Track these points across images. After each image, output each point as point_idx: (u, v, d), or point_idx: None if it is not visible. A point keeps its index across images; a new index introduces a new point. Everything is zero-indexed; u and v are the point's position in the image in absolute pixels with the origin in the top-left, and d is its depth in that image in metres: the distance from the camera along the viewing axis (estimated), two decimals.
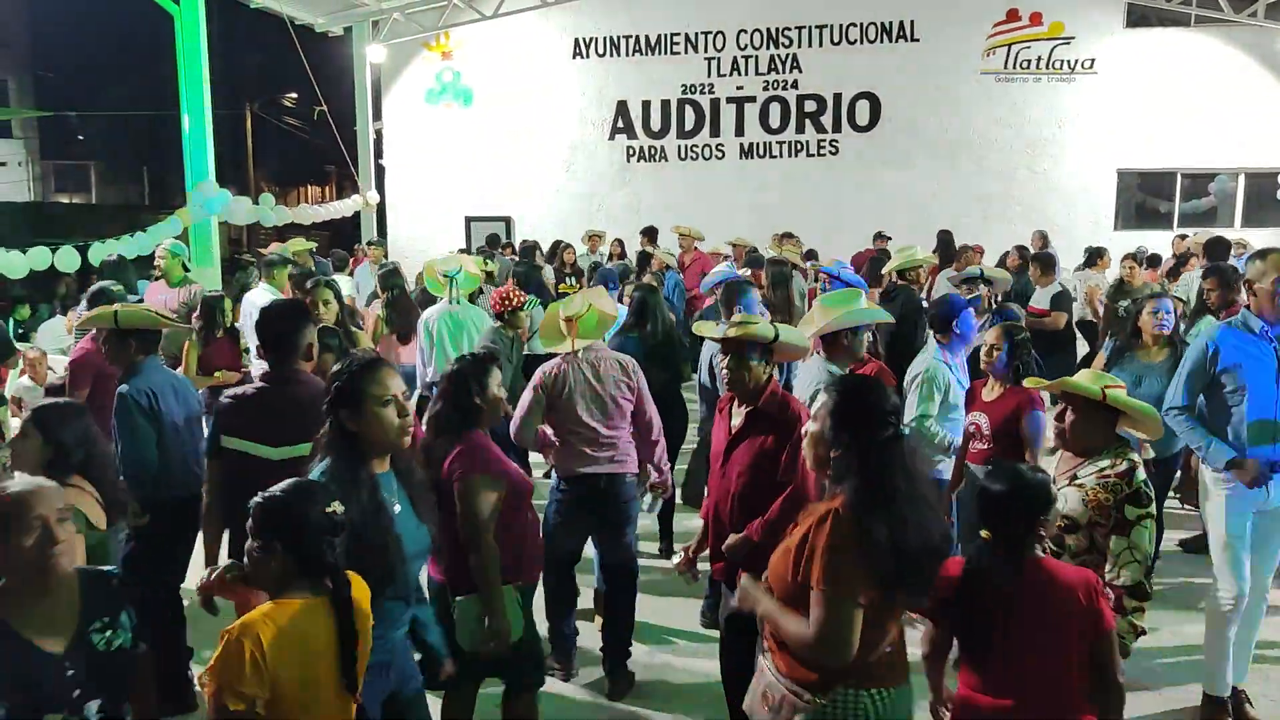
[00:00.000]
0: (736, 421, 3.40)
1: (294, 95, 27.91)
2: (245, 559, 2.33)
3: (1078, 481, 3.26)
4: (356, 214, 16.38)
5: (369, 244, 12.50)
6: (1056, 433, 3.46)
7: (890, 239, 13.41)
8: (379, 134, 16.97)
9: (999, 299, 6.64)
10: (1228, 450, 4.04)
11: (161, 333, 4.60)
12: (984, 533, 2.69)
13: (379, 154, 17.11)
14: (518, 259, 10.64)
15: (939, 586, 2.72)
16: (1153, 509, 3.19)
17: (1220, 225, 15.51)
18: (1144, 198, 16.43)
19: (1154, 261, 11.21)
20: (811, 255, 12.34)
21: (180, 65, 10.99)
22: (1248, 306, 4.13)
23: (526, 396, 4.42)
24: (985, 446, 4.51)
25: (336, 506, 2.29)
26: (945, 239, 12.50)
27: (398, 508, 2.66)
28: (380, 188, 17.08)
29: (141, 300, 6.81)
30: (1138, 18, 15.64)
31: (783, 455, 3.23)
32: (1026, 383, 3.98)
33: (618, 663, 4.43)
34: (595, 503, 4.40)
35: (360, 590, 2.37)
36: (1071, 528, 3.24)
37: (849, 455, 2.44)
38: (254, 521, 2.28)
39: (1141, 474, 3.21)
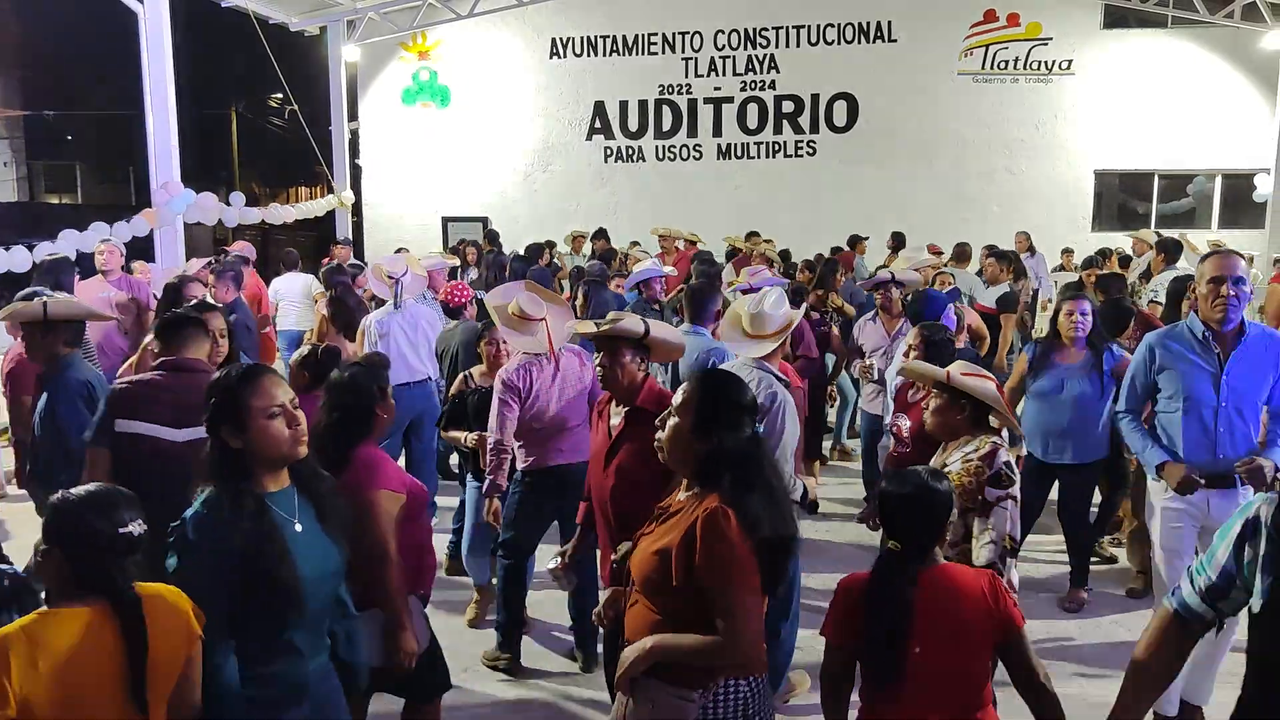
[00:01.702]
0: (615, 422, 3.34)
1: (279, 96, 27.89)
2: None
3: (946, 470, 3.25)
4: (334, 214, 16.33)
5: (335, 244, 12.45)
6: (927, 417, 3.53)
7: (866, 238, 13.39)
8: (355, 134, 16.92)
9: (907, 300, 6.68)
10: (1161, 454, 3.95)
11: (85, 326, 4.58)
12: (892, 544, 2.63)
13: (355, 154, 17.06)
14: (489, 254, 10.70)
15: (842, 605, 2.69)
16: (1014, 491, 3.20)
17: (1198, 226, 15.50)
18: (1122, 198, 16.40)
19: (1125, 263, 11.16)
20: (785, 256, 12.31)
21: (145, 63, 10.93)
22: (1194, 310, 4.02)
23: (500, 407, 4.44)
24: (906, 450, 4.46)
25: (135, 526, 2.13)
26: (899, 239, 12.86)
27: (299, 526, 2.45)
28: (357, 188, 17.03)
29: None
30: (1115, 19, 15.61)
31: None
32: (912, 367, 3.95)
33: (587, 637, 4.59)
34: (563, 492, 4.47)
35: (179, 602, 2.22)
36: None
37: (721, 452, 2.41)
38: (45, 519, 2.19)
39: (1004, 455, 3.24)
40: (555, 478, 4.50)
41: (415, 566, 3.26)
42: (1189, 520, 3.93)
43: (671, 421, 2.51)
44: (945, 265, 9.35)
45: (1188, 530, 3.95)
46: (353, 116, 16.88)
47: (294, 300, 9.65)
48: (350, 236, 15.34)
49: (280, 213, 13.57)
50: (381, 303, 6.73)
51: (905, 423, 4.50)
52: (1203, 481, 3.85)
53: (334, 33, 15.80)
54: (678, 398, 2.52)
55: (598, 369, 3.41)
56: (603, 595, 2.69)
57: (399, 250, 9.38)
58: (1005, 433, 3.54)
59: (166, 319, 3.92)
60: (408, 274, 6.72)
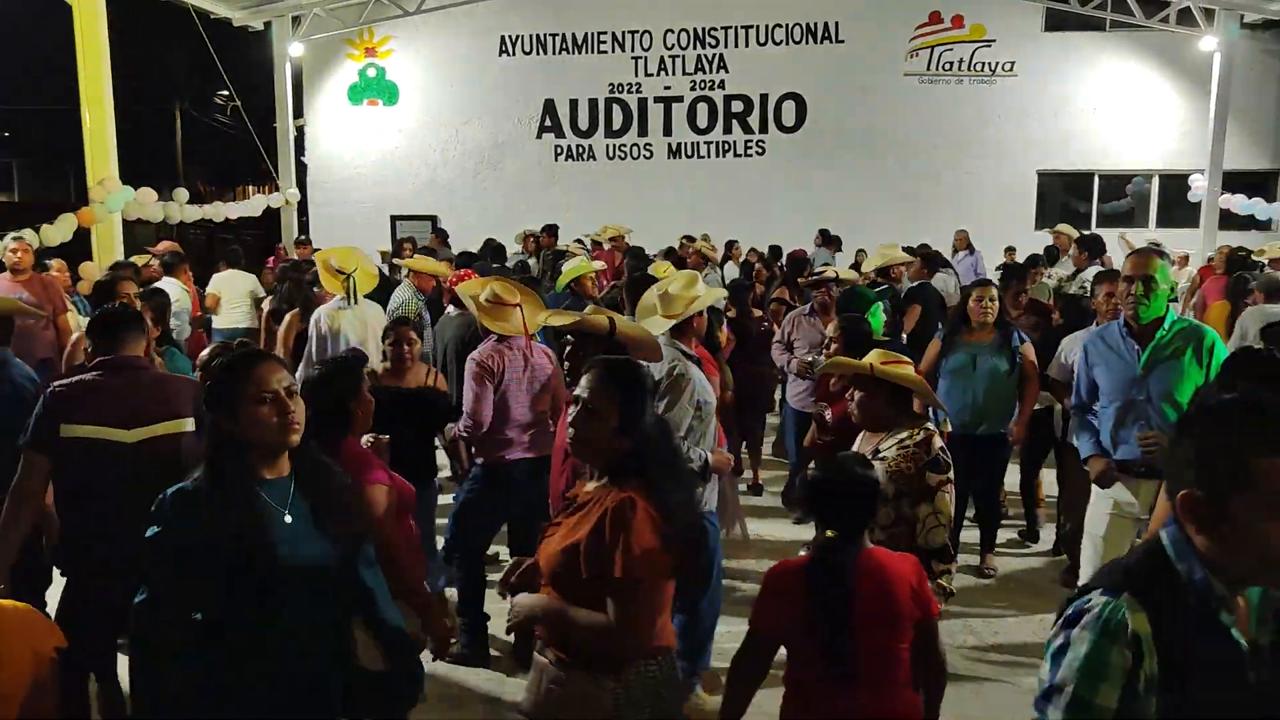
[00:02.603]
0: None
1: (224, 94, 27.44)
2: None
3: (880, 456, 3.33)
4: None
5: (297, 243, 12.24)
6: (850, 412, 3.60)
7: (838, 236, 13.56)
8: (301, 131, 16.71)
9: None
10: (1090, 447, 4.12)
11: (14, 323, 4.47)
12: (830, 532, 2.66)
13: (301, 151, 16.85)
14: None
15: (771, 594, 2.71)
16: (951, 475, 3.29)
17: (1137, 225, 15.85)
18: (1064, 198, 16.71)
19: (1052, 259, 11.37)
20: (776, 252, 12.42)
21: (80, 58, 10.70)
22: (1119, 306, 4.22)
23: (475, 385, 4.45)
24: (829, 438, 4.54)
25: None
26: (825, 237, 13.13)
27: (288, 518, 2.35)
28: (303, 186, 16.82)
29: None
30: (1056, 22, 15.91)
31: None
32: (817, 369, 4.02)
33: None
34: (521, 487, 4.48)
35: (26, 622, 2.09)
36: (881, 501, 3.29)
37: (640, 444, 2.42)
38: None
39: (938, 442, 3.33)
40: (517, 472, 4.51)
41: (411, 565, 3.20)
42: (1119, 510, 4.05)
43: (588, 417, 2.45)
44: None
45: (1114, 519, 4.06)
46: (299, 114, 16.67)
47: (232, 298, 9.48)
48: (308, 235, 15.12)
49: (222, 210, 13.36)
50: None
51: (828, 412, 4.60)
52: (1131, 474, 3.98)
53: (279, 29, 15.58)
54: (587, 390, 2.46)
55: (565, 363, 3.41)
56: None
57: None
58: (933, 415, 3.62)
59: (101, 315, 3.76)
60: (356, 270, 6.65)
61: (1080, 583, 3.93)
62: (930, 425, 3.41)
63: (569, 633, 2.42)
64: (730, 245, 12.87)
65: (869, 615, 2.58)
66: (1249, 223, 15.00)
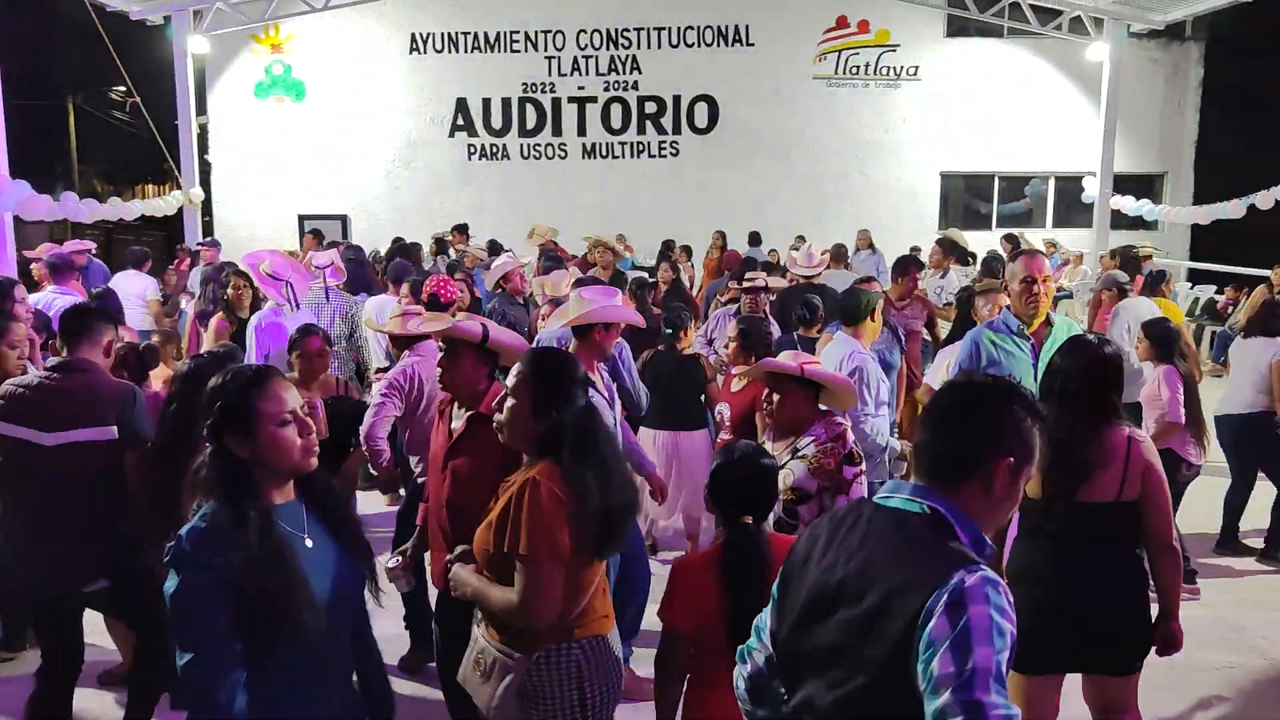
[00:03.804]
0: (457, 425, 3.30)
1: (121, 89, 26.45)
2: None
3: (800, 454, 3.43)
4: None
5: (201, 245, 11.85)
6: (765, 415, 3.67)
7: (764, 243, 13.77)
8: (204, 129, 16.23)
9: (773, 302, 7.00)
10: None
11: None
12: (747, 518, 2.70)
13: (204, 149, 16.37)
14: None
15: (682, 587, 2.73)
16: (864, 467, 3.46)
17: (1034, 226, 16.51)
18: (966, 199, 17.28)
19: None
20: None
21: None
22: (1008, 306, 4.32)
23: (376, 404, 4.32)
24: (730, 437, 4.63)
25: None
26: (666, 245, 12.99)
27: (309, 542, 2.22)
28: (206, 185, 16.34)
29: None
30: (957, 28, 16.43)
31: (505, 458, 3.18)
32: (735, 372, 4.11)
33: (426, 633, 4.37)
34: None
35: None
36: (803, 498, 3.40)
37: (556, 426, 2.51)
38: None
39: (851, 436, 3.47)
40: None
41: None
42: None
43: (509, 403, 2.58)
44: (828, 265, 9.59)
45: None
46: (201, 111, 16.18)
47: (129, 300, 9.13)
48: (213, 236, 14.68)
49: (121, 209, 12.88)
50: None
51: (727, 409, 4.71)
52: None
53: (179, 23, 15.05)
54: (512, 379, 2.59)
55: (436, 369, 3.37)
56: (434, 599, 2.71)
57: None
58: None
59: (71, 312, 3.76)
60: (293, 274, 6.52)
61: None
62: (841, 421, 3.53)
63: (487, 608, 2.53)
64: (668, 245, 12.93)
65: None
66: (1137, 223, 15.72)
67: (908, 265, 7.11)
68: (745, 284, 6.83)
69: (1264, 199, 12.02)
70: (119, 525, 3.47)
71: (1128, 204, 15.04)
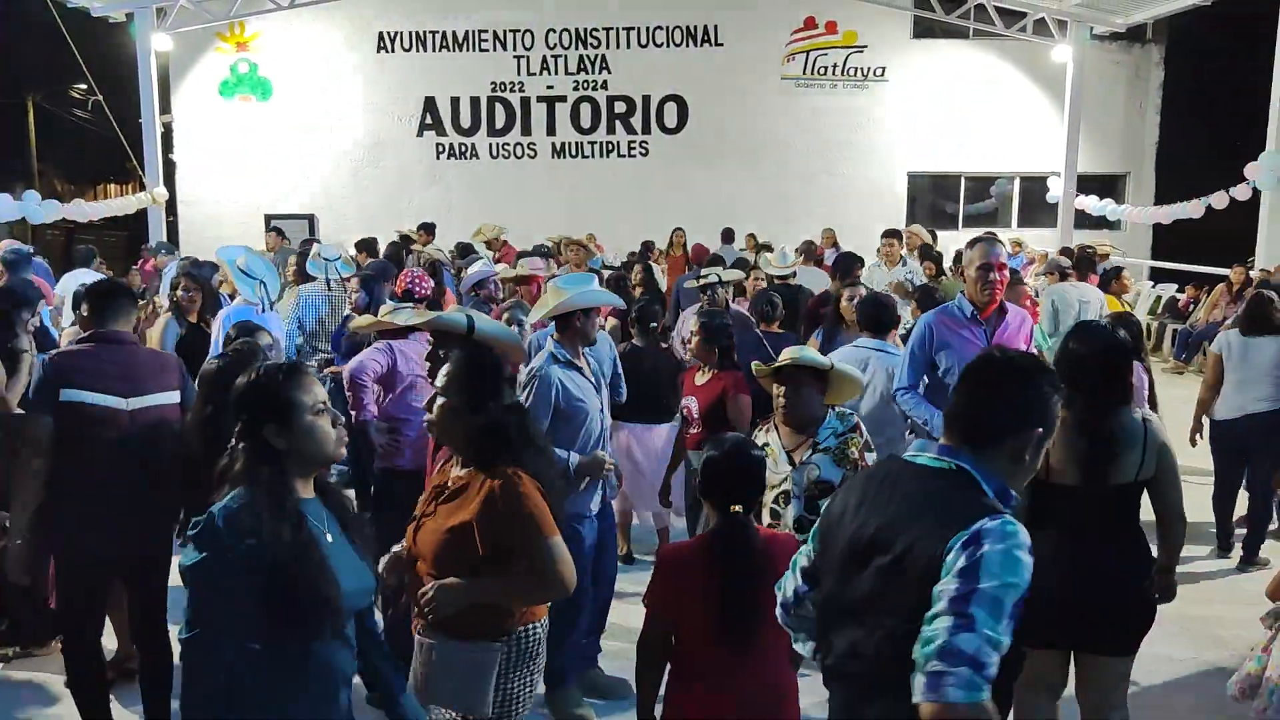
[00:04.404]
0: None
1: (82, 87, 26.05)
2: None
3: (822, 447, 3.52)
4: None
5: (144, 249, 11.73)
6: (781, 411, 3.66)
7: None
8: (168, 128, 16.03)
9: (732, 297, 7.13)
10: (940, 415, 4.31)
11: None
12: (735, 507, 2.71)
13: (169, 148, 16.17)
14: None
15: (668, 575, 2.74)
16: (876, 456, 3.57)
17: (1000, 225, 16.66)
18: (933, 199, 17.43)
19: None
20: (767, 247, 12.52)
21: None
22: (962, 292, 4.42)
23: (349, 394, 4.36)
24: (696, 430, 4.66)
25: None
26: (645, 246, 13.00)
27: (329, 538, 2.26)
28: (171, 184, 16.14)
29: None
30: (923, 30, 16.57)
31: None
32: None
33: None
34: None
35: None
36: (827, 491, 3.46)
37: (497, 423, 2.57)
38: None
39: (863, 426, 3.61)
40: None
41: None
42: None
43: (440, 401, 2.62)
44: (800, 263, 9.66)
45: None
46: (166, 109, 15.99)
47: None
48: (165, 238, 14.52)
49: (85, 209, 12.71)
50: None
51: (694, 403, 4.77)
52: None
53: (142, 20, 14.85)
54: (441, 379, 2.65)
55: (425, 362, 3.39)
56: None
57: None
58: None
59: (96, 288, 3.80)
60: (265, 275, 6.49)
61: None
62: (852, 412, 3.66)
63: (481, 602, 2.54)
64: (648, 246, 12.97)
65: (766, 590, 2.60)
66: (1101, 223, 15.96)
67: (851, 264, 7.22)
68: (700, 280, 6.91)
69: (1221, 199, 12.26)
70: (178, 492, 3.59)
71: (1091, 204, 15.26)
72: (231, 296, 6.51)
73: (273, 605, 2.07)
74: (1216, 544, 6.03)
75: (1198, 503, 5.97)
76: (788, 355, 3.68)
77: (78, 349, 3.64)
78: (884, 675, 1.84)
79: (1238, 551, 5.92)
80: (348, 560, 2.27)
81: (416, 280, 5.48)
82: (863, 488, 2.05)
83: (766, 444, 3.65)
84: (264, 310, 6.08)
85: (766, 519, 3.53)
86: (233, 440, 2.22)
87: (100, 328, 3.64)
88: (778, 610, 2.30)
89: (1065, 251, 9.27)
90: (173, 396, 3.66)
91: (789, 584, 2.26)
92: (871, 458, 3.59)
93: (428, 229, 11.76)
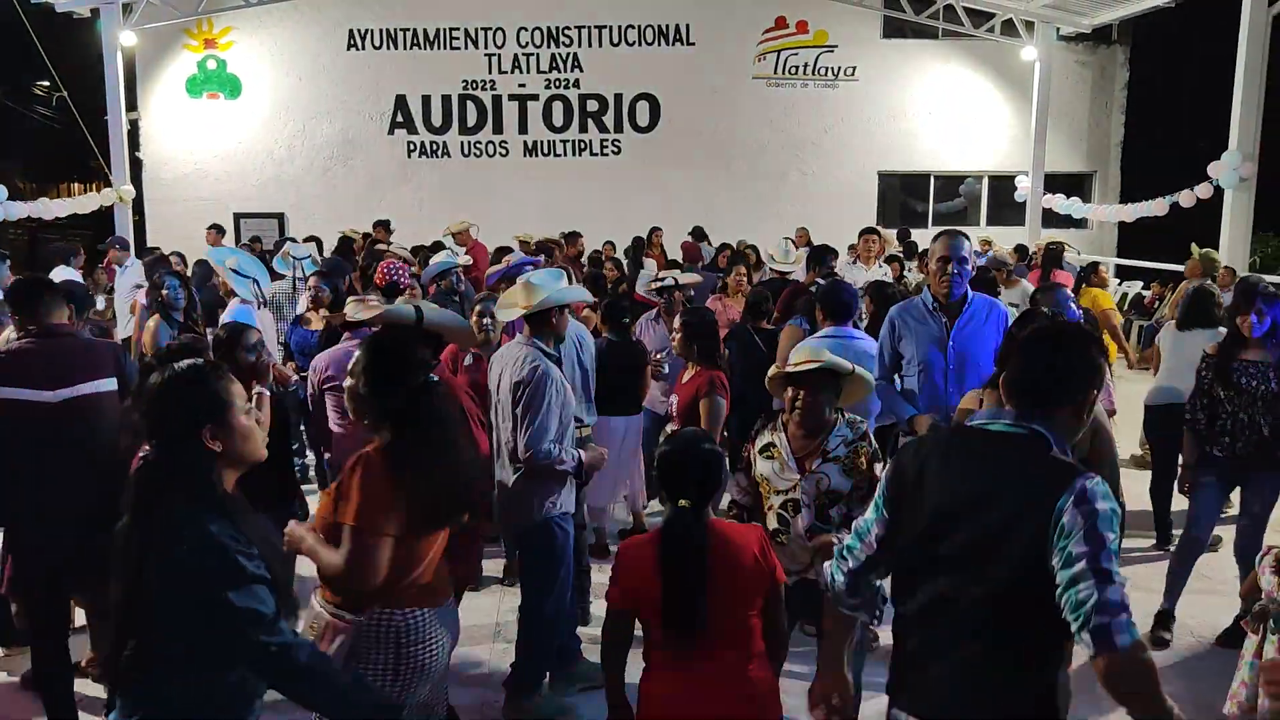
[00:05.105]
0: None
1: (45, 84, 25.65)
2: None
3: (832, 456, 3.46)
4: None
5: (113, 245, 11.56)
6: (795, 416, 3.53)
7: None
8: (135, 125, 15.83)
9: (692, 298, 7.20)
10: (909, 408, 4.43)
11: None
12: (683, 502, 2.73)
13: (136, 146, 15.97)
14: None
15: (625, 568, 2.77)
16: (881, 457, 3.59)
17: (969, 224, 16.83)
18: (903, 198, 17.56)
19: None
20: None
21: None
22: (927, 285, 4.55)
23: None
24: (675, 426, 4.71)
25: None
26: (637, 243, 13.25)
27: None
28: (138, 182, 15.95)
29: None
30: (893, 29, 16.69)
31: None
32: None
33: None
34: None
35: None
36: (836, 499, 3.47)
37: (384, 404, 2.70)
38: None
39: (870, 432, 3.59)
40: None
41: None
42: None
43: (348, 382, 2.82)
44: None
45: None
46: (132, 107, 15.79)
47: None
48: (131, 237, 14.32)
49: (50, 207, 12.53)
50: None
51: (674, 399, 4.81)
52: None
53: (108, 15, 14.67)
54: (353, 362, 2.80)
55: None
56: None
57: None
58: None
59: (18, 285, 3.85)
60: (257, 272, 6.53)
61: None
62: (862, 420, 3.61)
63: (321, 569, 2.69)
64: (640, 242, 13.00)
65: (720, 584, 2.66)
66: (1068, 221, 16.16)
67: (825, 255, 7.28)
68: (655, 284, 6.96)
69: (1188, 198, 12.44)
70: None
71: (1058, 202, 15.45)
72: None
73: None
74: (1156, 537, 6.12)
75: (1136, 495, 6.10)
76: (806, 356, 3.52)
77: (12, 347, 3.69)
78: (977, 619, 2.10)
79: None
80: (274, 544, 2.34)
81: (398, 270, 5.51)
82: (940, 455, 2.26)
83: (772, 443, 3.55)
84: (260, 307, 6.26)
85: (773, 523, 3.48)
86: (154, 447, 2.13)
87: (33, 323, 3.69)
88: (835, 576, 2.43)
89: (1047, 259, 9.34)
90: (106, 384, 3.70)
91: (838, 572, 2.43)
92: (879, 468, 3.46)
93: (384, 225, 11.75)
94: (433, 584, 2.79)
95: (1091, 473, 2.05)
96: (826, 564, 2.49)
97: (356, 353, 2.82)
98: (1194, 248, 7.79)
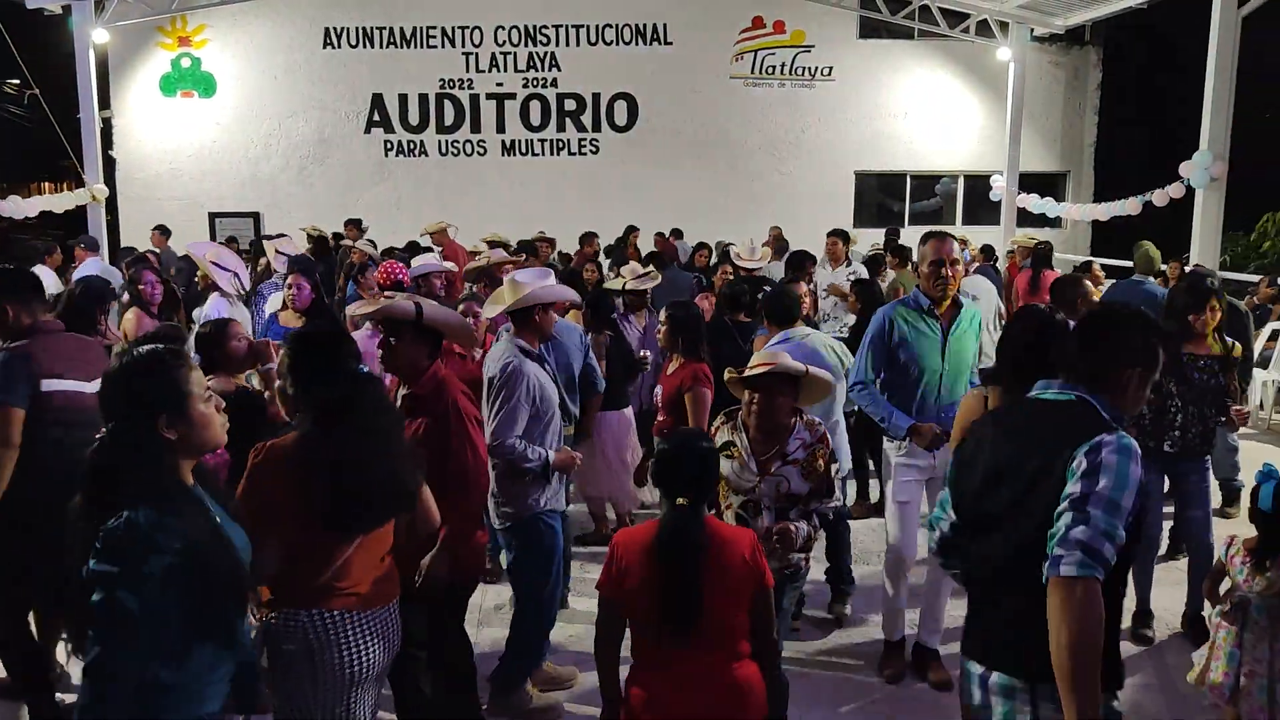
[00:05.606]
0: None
1: (15, 81, 25.30)
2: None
3: (791, 459, 3.46)
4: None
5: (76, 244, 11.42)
6: (754, 419, 3.54)
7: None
8: (108, 123, 15.66)
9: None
10: (906, 418, 4.25)
11: None
12: (680, 500, 2.75)
13: (109, 145, 15.80)
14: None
15: (619, 560, 2.77)
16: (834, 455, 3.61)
17: (945, 223, 16.96)
18: (880, 198, 17.67)
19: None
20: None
21: None
22: (918, 286, 4.44)
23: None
24: (662, 418, 4.73)
25: None
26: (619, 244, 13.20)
27: (218, 519, 2.24)
28: (111, 181, 15.77)
29: None
30: (869, 30, 16.78)
31: (434, 438, 3.20)
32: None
33: None
34: None
35: None
36: (794, 501, 3.49)
37: (303, 401, 2.75)
38: None
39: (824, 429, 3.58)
40: None
41: None
42: (918, 474, 4.33)
43: (276, 384, 2.96)
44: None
45: (916, 484, 4.36)
46: (105, 105, 15.62)
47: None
48: (105, 237, 14.16)
49: (21, 206, 12.37)
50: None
51: (659, 392, 4.85)
52: (947, 438, 4.16)
53: (80, 12, 14.49)
54: (278, 362, 2.94)
55: (378, 350, 3.37)
56: None
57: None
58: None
59: (30, 278, 3.82)
60: (239, 266, 6.51)
61: (891, 550, 4.27)
62: (820, 421, 3.61)
63: None
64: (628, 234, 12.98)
65: (712, 582, 2.68)
66: (1042, 220, 16.31)
67: (803, 260, 7.30)
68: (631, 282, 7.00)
69: (1159, 197, 12.59)
70: None
71: (1033, 202, 15.59)
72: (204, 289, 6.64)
73: (199, 600, 2.04)
74: None
75: None
76: (761, 360, 3.56)
77: (51, 340, 3.67)
78: (1011, 577, 2.27)
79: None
80: (239, 537, 2.28)
81: (398, 270, 5.65)
82: (994, 425, 2.47)
83: (731, 443, 3.56)
84: (237, 300, 6.29)
85: (731, 523, 3.48)
86: (107, 431, 2.11)
87: (37, 318, 3.68)
88: (932, 544, 2.62)
89: (1036, 258, 9.47)
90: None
91: (932, 542, 2.64)
92: (835, 468, 3.57)
93: (355, 224, 11.69)
94: (358, 585, 2.66)
95: (1122, 432, 2.20)
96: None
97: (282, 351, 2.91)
98: (1141, 244, 7.83)
